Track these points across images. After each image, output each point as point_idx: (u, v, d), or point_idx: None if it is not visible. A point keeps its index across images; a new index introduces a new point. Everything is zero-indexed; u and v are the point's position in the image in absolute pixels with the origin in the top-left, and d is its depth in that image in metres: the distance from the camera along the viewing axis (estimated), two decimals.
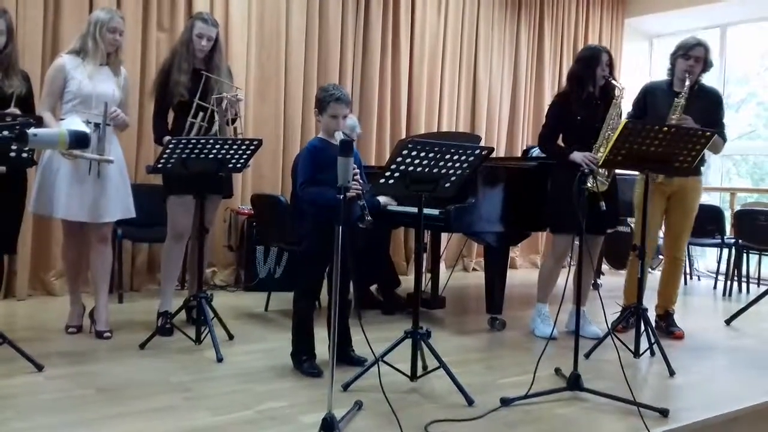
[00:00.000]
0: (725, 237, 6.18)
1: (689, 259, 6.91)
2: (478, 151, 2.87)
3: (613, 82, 3.96)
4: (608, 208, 3.48)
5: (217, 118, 3.66)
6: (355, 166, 3.00)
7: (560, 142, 4.07)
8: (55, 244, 4.68)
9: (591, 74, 3.94)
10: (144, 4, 5.03)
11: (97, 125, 3.45)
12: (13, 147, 2.75)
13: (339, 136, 3.07)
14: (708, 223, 6.04)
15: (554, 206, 3.97)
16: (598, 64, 3.92)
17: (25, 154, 2.83)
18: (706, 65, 4.04)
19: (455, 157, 2.82)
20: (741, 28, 7.74)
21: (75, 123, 3.43)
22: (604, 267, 6.94)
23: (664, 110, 3.94)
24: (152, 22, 5.06)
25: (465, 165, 2.89)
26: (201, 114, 3.64)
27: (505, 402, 2.77)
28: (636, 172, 4.15)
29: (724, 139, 4.07)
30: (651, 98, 4.14)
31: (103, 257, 3.74)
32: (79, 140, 1.68)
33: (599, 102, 3.97)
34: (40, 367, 3.00)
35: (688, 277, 6.82)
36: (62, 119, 3.51)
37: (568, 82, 4.09)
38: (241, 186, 5.43)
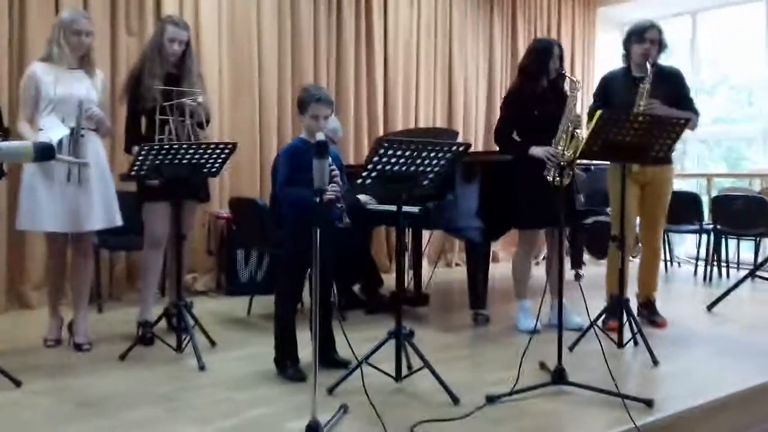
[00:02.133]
0: (703, 223, 6.22)
1: (669, 245, 6.96)
2: (455, 148, 2.85)
3: (568, 76, 3.97)
4: (562, 198, 3.48)
5: (174, 126, 3.59)
6: (335, 167, 2.98)
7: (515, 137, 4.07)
8: (30, 256, 4.61)
9: (544, 67, 3.94)
10: (111, 8, 4.95)
11: (72, 128, 3.39)
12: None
13: (320, 136, 3.03)
14: (685, 209, 6.09)
15: (516, 202, 3.95)
16: (551, 57, 3.93)
17: None
18: (662, 46, 4.04)
19: (432, 154, 2.80)
20: (711, 14, 7.80)
21: (53, 123, 3.37)
22: (585, 257, 6.96)
23: (625, 97, 3.93)
24: (120, 26, 4.98)
25: (443, 162, 2.87)
26: (166, 128, 3.58)
27: (491, 399, 2.76)
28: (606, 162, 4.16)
29: (697, 114, 4.08)
30: (611, 87, 4.14)
31: (85, 268, 3.69)
32: (44, 152, 1.64)
33: (552, 96, 3.97)
34: (17, 383, 2.93)
35: (668, 263, 6.88)
36: (41, 129, 3.43)
37: (520, 76, 4.08)
38: (218, 190, 5.37)
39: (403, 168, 2.80)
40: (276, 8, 5.70)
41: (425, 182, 2.93)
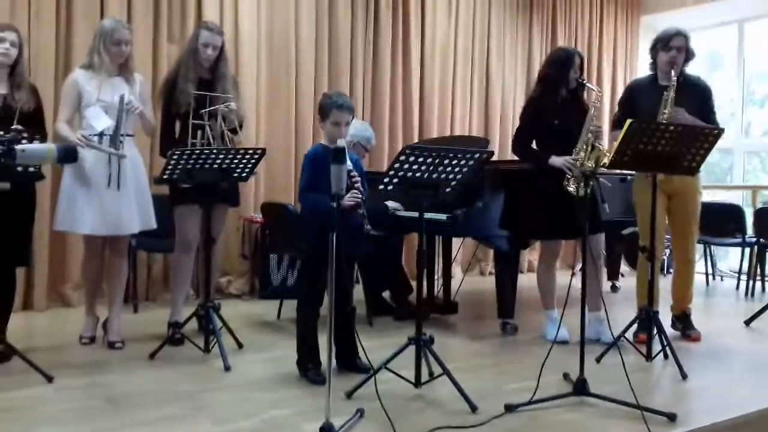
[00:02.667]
0: (746, 236, 6.05)
1: (712, 259, 6.79)
2: (477, 155, 2.86)
3: (589, 85, 3.92)
4: (586, 209, 3.43)
5: (210, 132, 3.66)
6: (356, 174, 3.01)
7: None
8: (70, 256, 4.77)
9: (564, 77, 3.89)
10: (154, 16, 5.09)
11: (110, 136, 3.51)
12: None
13: (341, 143, 3.08)
14: (728, 222, 5.94)
15: (535, 212, 3.91)
16: (571, 67, 3.88)
17: (31, 169, 2.87)
18: (689, 55, 3.97)
19: (454, 162, 2.82)
20: (759, 23, 7.59)
21: (98, 113, 3.50)
22: (624, 269, 6.84)
23: (651, 107, 3.85)
24: (162, 33, 5.12)
25: (465, 169, 2.87)
26: (199, 132, 3.66)
27: (510, 408, 2.74)
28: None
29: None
30: (637, 96, 4.07)
31: (119, 269, 3.81)
32: (67, 154, 1.71)
33: (572, 105, 3.92)
34: (50, 379, 3.04)
35: (710, 277, 6.72)
36: (84, 118, 3.56)
37: (539, 85, 4.04)
38: (254, 194, 5.47)
39: (425, 175, 2.81)
40: (314, 15, 5.79)
41: (448, 189, 2.94)
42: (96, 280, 3.86)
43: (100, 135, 3.50)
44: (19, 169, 2.92)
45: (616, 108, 4.34)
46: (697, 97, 3.96)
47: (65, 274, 4.82)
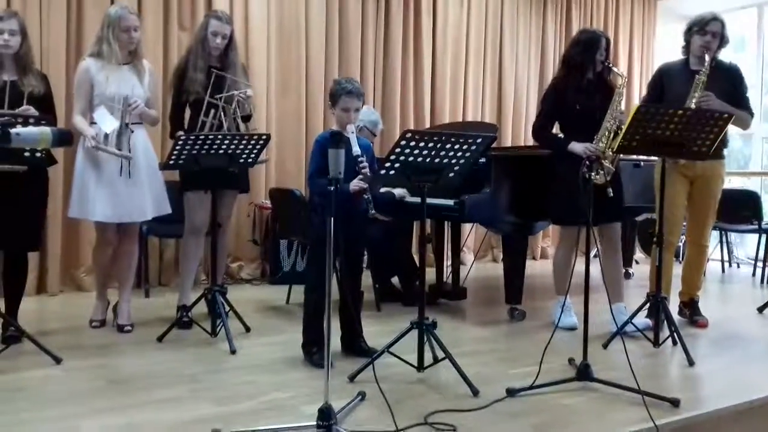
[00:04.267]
0: (762, 222, 5.96)
1: (728, 246, 6.71)
2: (480, 140, 2.84)
3: (615, 69, 3.84)
4: (613, 196, 3.39)
5: (224, 116, 3.67)
6: (364, 159, 3.02)
7: (556, 131, 3.97)
8: (84, 242, 4.82)
9: (590, 59, 3.80)
10: (164, 3, 5.10)
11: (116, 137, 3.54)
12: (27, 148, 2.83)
13: (351, 129, 3.09)
14: (743, 208, 5.86)
15: (555, 198, 3.85)
16: (597, 49, 3.79)
17: (38, 154, 2.91)
18: (723, 41, 3.89)
19: (456, 146, 2.80)
20: None
21: (105, 117, 3.53)
22: (639, 255, 6.79)
23: (682, 91, 3.78)
24: (173, 21, 5.14)
25: (468, 154, 2.86)
26: (212, 111, 3.67)
27: (511, 392, 2.74)
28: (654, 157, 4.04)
29: (751, 114, 3.93)
30: (667, 79, 3.99)
31: (130, 254, 3.85)
32: (62, 139, 1.74)
33: (596, 89, 3.83)
34: (58, 360, 3.09)
35: (726, 264, 6.64)
36: (93, 123, 3.60)
37: (564, 68, 3.95)
38: (264, 181, 5.50)
39: (427, 160, 2.80)
40: (324, 3, 5.77)
41: (451, 174, 2.92)
42: (107, 266, 3.90)
43: (106, 136, 3.53)
44: (27, 154, 2.98)
45: (644, 92, 4.26)
46: (728, 82, 3.88)
47: (78, 258, 4.89)
